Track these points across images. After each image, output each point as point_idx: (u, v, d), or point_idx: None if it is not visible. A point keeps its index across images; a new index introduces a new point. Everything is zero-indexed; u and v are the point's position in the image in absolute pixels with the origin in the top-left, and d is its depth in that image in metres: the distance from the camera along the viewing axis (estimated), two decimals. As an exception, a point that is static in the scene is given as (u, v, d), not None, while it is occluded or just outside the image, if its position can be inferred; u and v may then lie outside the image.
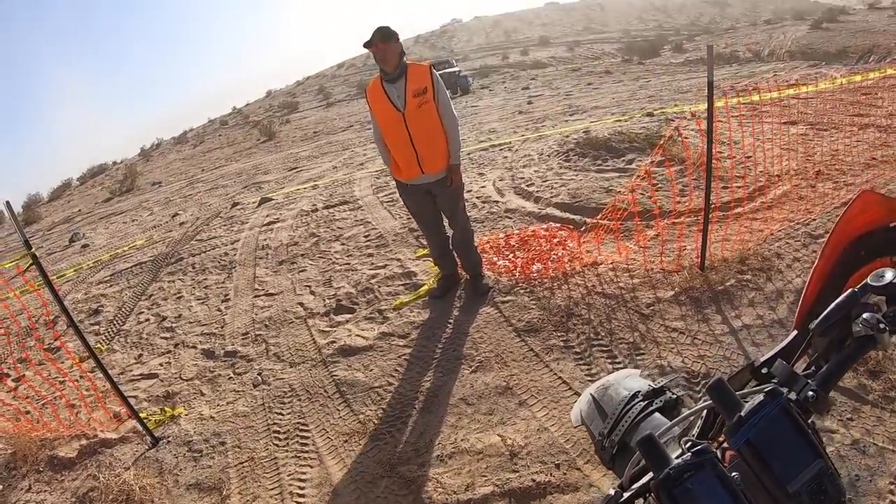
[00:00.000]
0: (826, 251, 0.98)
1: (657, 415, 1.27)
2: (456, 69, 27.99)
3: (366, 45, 3.81)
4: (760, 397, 0.75)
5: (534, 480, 2.67)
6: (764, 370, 0.92)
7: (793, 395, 0.82)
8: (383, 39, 3.79)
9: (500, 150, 9.56)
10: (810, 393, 0.81)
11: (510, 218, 6.02)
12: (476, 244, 4.65)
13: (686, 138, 6.75)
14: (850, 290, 0.86)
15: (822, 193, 5.08)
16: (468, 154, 9.71)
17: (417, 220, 4.57)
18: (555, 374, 3.40)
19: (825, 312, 0.86)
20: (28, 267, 3.41)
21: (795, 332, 0.95)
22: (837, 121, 7.29)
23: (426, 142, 3.97)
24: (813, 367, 0.89)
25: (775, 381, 0.86)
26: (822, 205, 4.77)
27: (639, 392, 1.35)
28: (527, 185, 6.90)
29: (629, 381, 1.49)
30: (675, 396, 1.30)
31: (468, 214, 4.57)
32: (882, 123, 6.82)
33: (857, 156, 5.82)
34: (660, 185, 5.80)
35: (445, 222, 4.51)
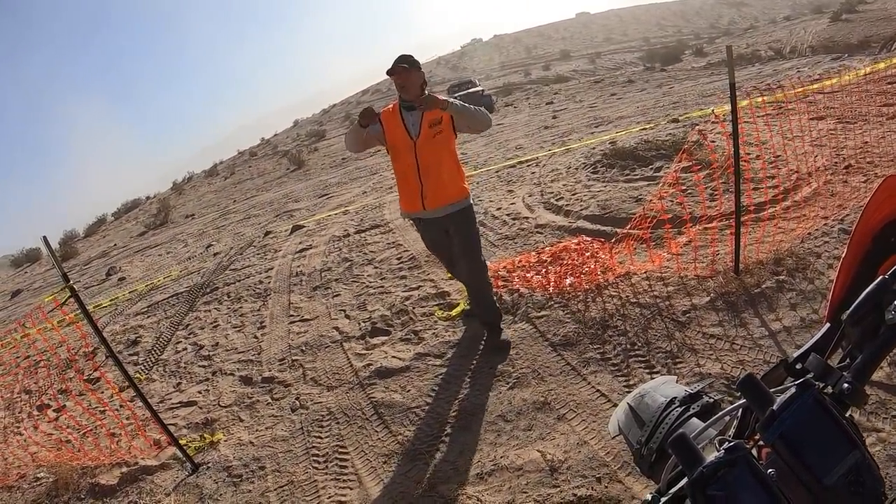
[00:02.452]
0: (854, 240, 0.96)
1: (695, 419, 1.24)
2: (479, 88, 28.09)
3: (388, 73, 3.75)
4: (792, 390, 0.73)
5: (575, 495, 2.63)
6: (798, 366, 0.90)
7: (829, 389, 0.80)
8: (405, 68, 3.75)
9: (528, 165, 9.58)
10: (845, 385, 0.79)
11: (541, 233, 6.01)
12: (494, 283, 4.45)
13: (712, 142, 6.68)
14: (880, 278, 0.84)
15: (853, 187, 4.97)
16: (496, 172, 9.73)
17: (436, 255, 4.42)
18: (593, 387, 3.36)
19: (856, 302, 0.84)
20: (66, 300, 3.50)
21: (828, 325, 0.93)
22: (865, 112, 7.16)
23: (432, 174, 3.82)
24: (848, 359, 0.87)
25: (810, 375, 0.84)
26: (854, 199, 4.66)
27: (675, 398, 1.33)
28: (556, 200, 6.89)
29: (665, 387, 1.47)
30: (712, 400, 1.28)
31: (484, 260, 4.15)
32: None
33: (887, 146, 5.71)
34: (689, 191, 5.74)
35: None
